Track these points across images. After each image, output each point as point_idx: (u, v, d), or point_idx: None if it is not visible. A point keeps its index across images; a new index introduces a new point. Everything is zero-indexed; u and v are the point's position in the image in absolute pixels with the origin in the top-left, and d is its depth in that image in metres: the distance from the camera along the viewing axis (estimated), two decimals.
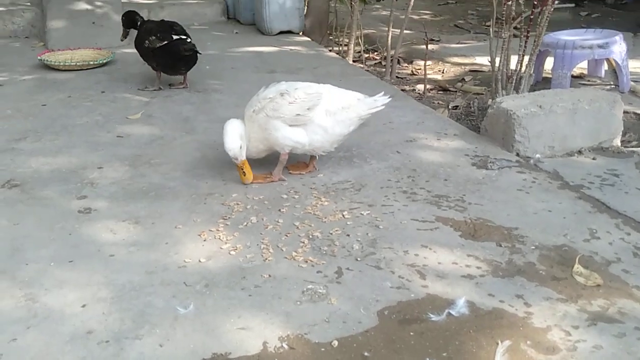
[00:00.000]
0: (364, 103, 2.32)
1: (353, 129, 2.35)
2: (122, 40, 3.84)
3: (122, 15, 3.71)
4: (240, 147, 2.24)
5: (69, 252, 1.89)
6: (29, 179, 2.40)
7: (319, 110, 2.26)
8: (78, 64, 4.05)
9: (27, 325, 1.55)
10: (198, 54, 3.45)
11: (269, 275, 1.76)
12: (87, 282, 1.73)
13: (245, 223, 2.05)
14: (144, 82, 3.72)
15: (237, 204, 2.17)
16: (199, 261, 1.83)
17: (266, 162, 2.46)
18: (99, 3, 4.77)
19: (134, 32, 3.65)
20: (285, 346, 1.48)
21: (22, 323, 1.56)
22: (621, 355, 1.44)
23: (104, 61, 4.13)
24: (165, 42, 3.35)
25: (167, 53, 3.40)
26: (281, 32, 5.13)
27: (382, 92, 2.39)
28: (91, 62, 4.07)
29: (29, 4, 5.36)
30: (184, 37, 3.41)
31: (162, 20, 3.65)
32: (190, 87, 3.64)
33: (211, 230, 2.00)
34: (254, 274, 1.77)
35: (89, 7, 4.75)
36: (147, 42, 3.42)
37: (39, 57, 4.12)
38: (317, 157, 2.46)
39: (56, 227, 2.04)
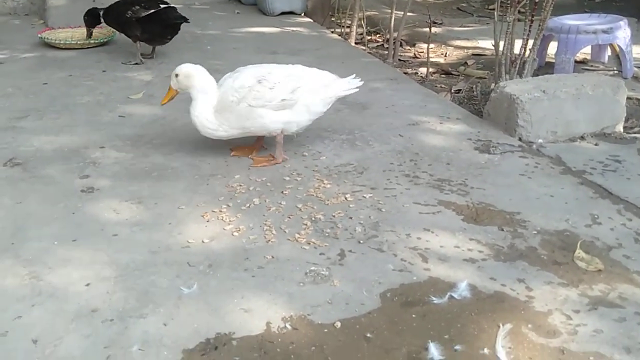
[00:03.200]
0: (341, 82, 2.36)
1: (327, 109, 2.39)
2: (87, 40, 3.97)
3: (85, 15, 3.85)
4: (186, 77, 2.23)
5: (72, 231, 1.89)
6: (31, 158, 2.40)
7: (301, 91, 2.27)
8: (79, 42, 4.02)
9: (31, 303, 1.56)
10: (187, 22, 3.57)
11: (272, 257, 1.76)
12: (91, 261, 1.74)
13: (248, 205, 2.05)
14: (128, 57, 3.78)
15: (240, 186, 2.18)
16: (202, 242, 1.84)
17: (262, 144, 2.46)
18: None
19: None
20: (289, 327, 1.49)
21: (26, 301, 1.57)
22: (621, 340, 1.46)
23: (105, 40, 4.10)
24: (152, 10, 3.46)
25: (155, 21, 3.51)
26: (283, 13, 5.09)
27: (354, 75, 2.40)
28: (92, 41, 4.04)
29: None
30: (170, 5, 3.54)
31: None
32: None
33: (214, 211, 2.00)
34: (257, 255, 1.77)
35: None
36: (129, 12, 3.52)
37: (39, 35, 4.09)
38: (295, 136, 2.47)
39: (59, 206, 2.04)
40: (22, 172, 2.28)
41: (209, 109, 2.25)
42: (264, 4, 5.10)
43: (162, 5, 3.50)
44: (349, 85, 2.38)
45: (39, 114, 2.86)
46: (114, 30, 4.15)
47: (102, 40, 4.08)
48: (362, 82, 2.40)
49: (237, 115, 2.24)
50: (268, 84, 2.23)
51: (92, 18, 3.82)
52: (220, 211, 2.01)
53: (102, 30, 4.22)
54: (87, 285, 1.63)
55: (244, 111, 2.23)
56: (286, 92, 2.25)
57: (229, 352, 1.41)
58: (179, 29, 3.65)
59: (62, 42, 4.01)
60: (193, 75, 2.25)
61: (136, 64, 3.67)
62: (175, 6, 3.59)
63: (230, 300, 1.58)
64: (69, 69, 3.58)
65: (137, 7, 3.48)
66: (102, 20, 3.79)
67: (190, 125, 2.74)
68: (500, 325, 1.49)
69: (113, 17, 3.68)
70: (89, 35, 3.94)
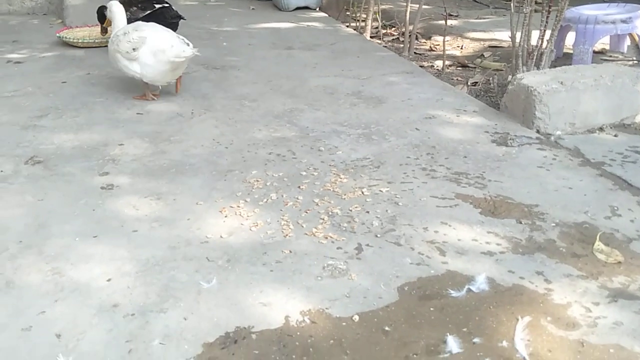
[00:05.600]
0: (175, 49, 2.82)
1: (170, 68, 2.87)
2: (103, 36, 3.95)
3: (97, 12, 3.83)
4: (109, 10, 3.12)
5: (93, 228, 1.92)
6: (52, 156, 2.43)
7: (144, 50, 2.84)
8: (96, 41, 4.06)
9: (54, 298, 1.59)
10: (183, 19, 3.67)
11: (290, 251, 1.78)
12: (112, 257, 1.76)
13: (265, 200, 2.06)
14: None
15: (257, 181, 2.19)
16: (221, 237, 1.85)
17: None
18: None
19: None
20: (307, 320, 1.50)
21: (49, 296, 1.60)
22: None
23: None
24: (149, 11, 3.53)
25: (152, 22, 3.50)
26: (298, 8, 5.11)
27: (192, 45, 2.89)
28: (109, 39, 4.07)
29: None
30: (166, 4, 3.55)
31: None
32: (208, 64, 3.65)
33: (232, 207, 2.02)
34: (274, 249, 1.79)
35: None
36: (128, 13, 3.55)
37: (57, 34, 4.14)
38: (160, 88, 3.10)
39: (80, 202, 2.07)
40: (43, 170, 2.32)
41: None
42: (278, 0, 5.11)
43: (157, 6, 3.57)
44: (181, 53, 2.82)
45: (58, 113, 2.90)
46: None
47: None
48: (197, 50, 2.88)
49: (110, 54, 2.99)
50: (127, 38, 2.87)
51: (101, 15, 3.83)
52: (238, 206, 2.02)
53: None
54: (109, 280, 1.66)
55: (111, 52, 2.97)
56: (130, 48, 2.86)
57: (249, 345, 1.43)
58: (177, 27, 3.68)
59: (80, 41, 4.05)
60: (113, 11, 3.09)
61: None
62: (171, 4, 3.64)
63: (249, 294, 1.60)
64: (88, 67, 3.62)
65: (135, 8, 3.56)
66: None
67: (207, 121, 2.77)
68: (519, 318, 1.49)
69: None
70: (103, 31, 3.94)
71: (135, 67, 2.88)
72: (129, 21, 3.62)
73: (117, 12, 3.09)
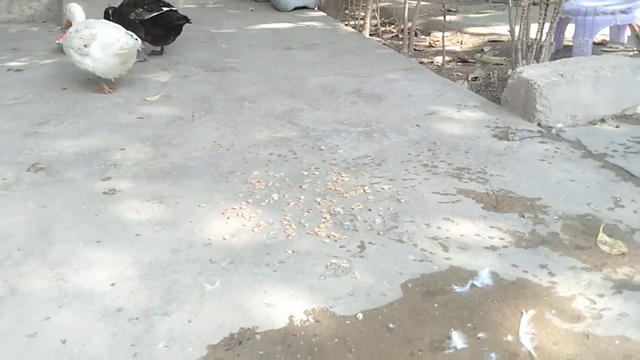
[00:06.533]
0: (120, 43, 3.03)
1: (118, 61, 3.08)
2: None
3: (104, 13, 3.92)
4: (69, 11, 3.31)
5: (96, 233, 1.92)
6: (54, 162, 2.44)
7: (94, 46, 3.04)
8: None
9: (59, 304, 1.59)
10: (189, 22, 3.74)
11: (293, 251, 1.78)
12: (115, 261, 1.76)
13: (267, 200, 2.06)
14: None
15: (259, 182, 2.19)
16: (223, 238, 1.85)
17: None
18: None
19: None
20: (311, 319, 1.50)
21: (54, 302, 1.60)
22: None
23: None
24: (156, 13, 3.60)
25: (158, 24, 3.64)
26: (296, 8, 5.11)
27: (135, 36, 3.10)
28: None
29: None
30: (173, 8, 3.67)
31: None
32: (208, 66, 3.65)
33: (234, 208, 2.02)
34: (277, 250, 1.79)
35: None
36: (132, 14, 3.67)
37: (57, 41, 4.14)
38: (113, 80, 3.29)
39: (82, 208, 2.07)
40: (46, 177, 2.32)
41: None
42: (277, 0, 5.11)
43: (164, 9, 3.62)
44: (124, 45, 3.02)
45: (59, 119, 2.90)
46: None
47: None
48: (139, 41, 3.10)
49: (64, 49, 3.25)
50: (79, 35, 3.07)
51: (104, 16, 3.86)
52: (240, 208, 2.02)
53: None
54: (112, 285, 1.66)
55: (65, 47, 3.21)
56: (81, 45, 3.06)
57: (253, 346, 1.43)
58: (182, 30, 3.78)
59: None
60: (72, 11, 3.29)
61: (140, 61, 3.73)
62: (176, 8, 3.70)
63: (252, 295, 1.60)
64: (87, 73, 3.61)
65: (140, 9, 3.63)
66: (112, 20, 3.82)
67: (208, 123, 2.77)
68: (524, 311, 1.49)
69: (118, 19, 3.75)
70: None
71: (88, 61, 3.09)
72: (133, 22, 3.67)
73: (75, 12, 3.30)
